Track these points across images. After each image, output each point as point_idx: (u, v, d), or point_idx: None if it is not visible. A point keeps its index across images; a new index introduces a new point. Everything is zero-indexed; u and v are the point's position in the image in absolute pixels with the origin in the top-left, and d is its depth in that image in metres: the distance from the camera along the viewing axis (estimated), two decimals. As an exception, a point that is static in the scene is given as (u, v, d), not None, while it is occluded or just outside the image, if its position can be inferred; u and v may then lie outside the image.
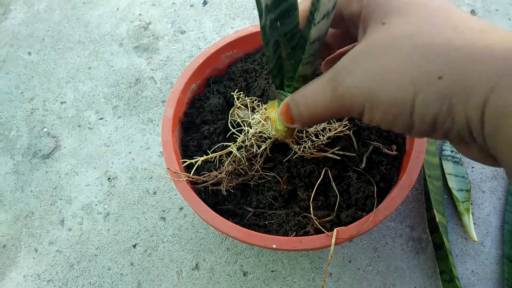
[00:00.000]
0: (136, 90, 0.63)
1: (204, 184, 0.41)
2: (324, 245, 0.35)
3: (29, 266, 0.50)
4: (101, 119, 0.60)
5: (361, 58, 0.24)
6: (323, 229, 0.36)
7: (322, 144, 0.41)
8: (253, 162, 0.42)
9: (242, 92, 0.46)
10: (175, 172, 0.40)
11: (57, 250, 0.50)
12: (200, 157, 0.43)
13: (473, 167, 0.52)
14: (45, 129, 0.60)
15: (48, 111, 0.62)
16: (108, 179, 0.55)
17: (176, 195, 0.53)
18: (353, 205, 0.40)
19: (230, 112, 0.46)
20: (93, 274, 0.48)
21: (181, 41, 0.67)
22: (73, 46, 0.69)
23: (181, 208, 0.52)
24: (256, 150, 0.41)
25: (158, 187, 0.54)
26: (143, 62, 0.66)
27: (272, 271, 0.47)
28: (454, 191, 0.48)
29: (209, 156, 0.42)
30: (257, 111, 0.42)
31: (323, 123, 0.42)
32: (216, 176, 0.41)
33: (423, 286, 0.45)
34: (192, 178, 0.41)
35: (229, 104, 0.48)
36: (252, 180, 0.42)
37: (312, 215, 0.38)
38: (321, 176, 0.40)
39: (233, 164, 0.41)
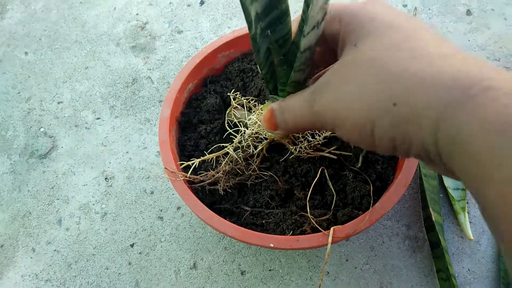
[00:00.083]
0: (133, 90, 0.63)
1: (201, 184, 0.41)
2: (321, 244, 0.36)
3: (26, 266, 0.50)
4: (98, 119, 0.60)
5: (333, 79, 0.25)
6: (320, 228, 0.37)
7: (319, 143, 0.41)
8: (250, 162, 0.42)
9: (238, 92, 0.46)
10: (172, 172, 0.40)
11: (54, 250, 0.50)
12: (197, 156, 0.43)
13: (469, 166, 0.52)
14: (42, 129, 0.60)
15: (45, 111, 0.62)
16: (105, 179, 0.55)
17: (173, 194, 0.53)
18: (349, 204, 0.40)
19: (227, 112, 0.46)
20: (91, 273, 0.48)
21: (178, 40, 0.67)
22: (70, 46, 0.69)
23: (178, 208, 0.52)
24: (253, 150, 0.41)
25: (156, 186, 0.54)
26: (140, 62, 0.66)
27: (270, 270, 0.47)
28: (450, 190, 0.49)
29: (206, 157, 0.42)
30: (253, 111, 0.42)
31: None
32: (213, 176, 0.41)
33: (419, 284, 0.45)
34: (190, 178, 0.41)
35: (226, 103, 0.49)
36: (249, 180, 0.42)
37: (309, 214, 0.38)
38: (318, 176, 0.40)
39: (230, 164, 0.41)
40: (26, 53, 0.68)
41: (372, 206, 0.37)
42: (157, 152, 0.56)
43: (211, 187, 0.42)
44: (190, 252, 0.49)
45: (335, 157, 0.41)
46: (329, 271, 0.46)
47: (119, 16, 0.71)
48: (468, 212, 0.48)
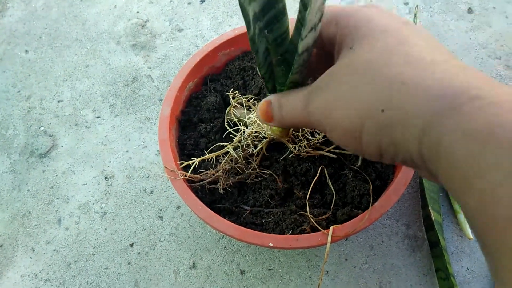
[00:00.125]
0: (133, 89, 0.63)
1: (201, 183, 0.41)
2: (320, 243, 0.36)
3: (26, 266, 0.50)
4: (98, 117, 0.60)
5: (328, 81, 0.25)
6: (319, 227, 0.37)
7: (318, 142, 0.41)
8: (250, 160, 0.42)
9: (237, 91, 0.46)
10: (172, 171, 0.40)
11: (54, 250, 0.50)
12: (197, 155, 0.43)
13: (469, 165, 0.52)
14: (42, 128, 0.60)
15: (45, 109, 0.62)
16: (105, 178, 0.55)
17: (173, 194, 0.53)
18: (349, 203, 0.40)
19: (227, 111, 0.46)
20: (90, 273, 0.49)
21: (178, 39, 0.67)
22: (70, 44, 0.68)
23: (178, 207, 0.52)
24: (253, 149, 0.41)
25: (155, 186, 0.54)
26: (141, 60, 0.65)
27: (269, 270, 0.47)
28: (450, 189, 0.48)
29: (206, 156, 0.42)
30: (253, 110, 0.42)
31: None
32: (213, 175, 0.41)
33: (419, 283, 0.45)
34: (189, 177, 0.41)
35: (226, 102, 0.49)
36: (249, 179, 0.42)
37: (308, 213, 0.38)
38: (317, 175, 0.40)
39: (230, 163, 0.41)
40: (26, 51, 0.68)
41: (371, 205, 0.37)
42: (157, 151, 0.56)
43: (211, 186, 0.42)
44: (190, 252, 0.49)
45: (334, 156, 0.41)
46: (328, 271, 0.46)
47: (120, 14, 0.71)
48: (468, 212, 0.48)
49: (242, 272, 0.47)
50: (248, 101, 0.44)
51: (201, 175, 0.41)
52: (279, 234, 0.38)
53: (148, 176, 0.54)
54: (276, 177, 0.41)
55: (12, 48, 0.69)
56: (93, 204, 0.53)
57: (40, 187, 0.55)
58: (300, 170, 0.41)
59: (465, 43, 0.62)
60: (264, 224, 0.40)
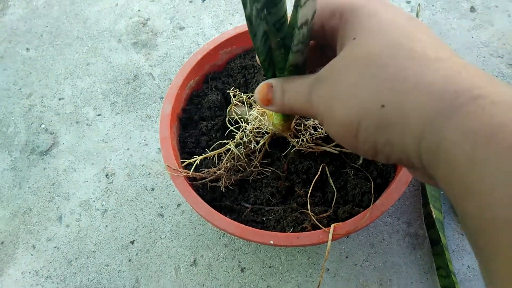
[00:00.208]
0: (134, 87, 0.62)
1: (203, 181, 0.41)
2: (321, 241, 0.36)
3: (27, 263, 0.50)
4: (99, 115, 0.60)
5: (331, 72, 0.25)
6: (320, 225, 0.36)
7: (320, 137, 0.41)
8: (251, 158, 0.42)
9: (238, 90, 0.46)
10: (173, 169, 0.40)
11: (55, 247, 0.51)
12: (198, 153, 0.43)
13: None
14: (43, 126, 0.60)
15: (46, 107, 0.62)
16: (106, 175, 0.55)
17: (174, 191, 0.53)
18: (350, 201, 0.40)
19: (228, 109, 0.46)
20: (91, 270, 0.49)
21: (179, 37, 0.67)
22: (71, 42, 0.68)
23: (179, 205, 0.52)
24: (255, 146, 0.41)
25: (156, 183, 0.54)
26: (142, 58, 0.65)
27: (270, 267, 0.47)
28: (451, 188, 0.48)
29: (208, 154, 0.42)
30: (254, 107, 0.42)
31: None
32: (215, 173, 0.41)
33: (419, 281, 0.45)
34: (191, 175, 0.41)
35: (227, 100, 0.48)
36: (251, 176, 0.42)
37: (309, 211, 0.38)
38: (319, 173, 0.40)
39: (232, 160, 0.41)
40: (27, 49, 0.68)
41: (372, 203, 0.37)
42: (158, 149, 0.56)
43: (212, 184, 0.42)
44: (190, 249, 0.49)
45: (336, 151, 0.41)
46: (329, 268, 0.46)
47: (121, 12, 0.71)
48: (469, 210, 0.48)
49: (242, 270, 0.47)
50: (249, 99, 0.44)
51: (203, 173, 0.41)
52: (280, 232, 0.38)
53: (149, 174, 0.54)
54: (279, 173, 0.41)
55: (13, 46, 0.69)
56: (94, 201, 0.53)
57: (41, 185, 0.55)
58: (301, 168, 0.41)
59: (468, 42, 0.62)
60: (265, 222, 0.40)
